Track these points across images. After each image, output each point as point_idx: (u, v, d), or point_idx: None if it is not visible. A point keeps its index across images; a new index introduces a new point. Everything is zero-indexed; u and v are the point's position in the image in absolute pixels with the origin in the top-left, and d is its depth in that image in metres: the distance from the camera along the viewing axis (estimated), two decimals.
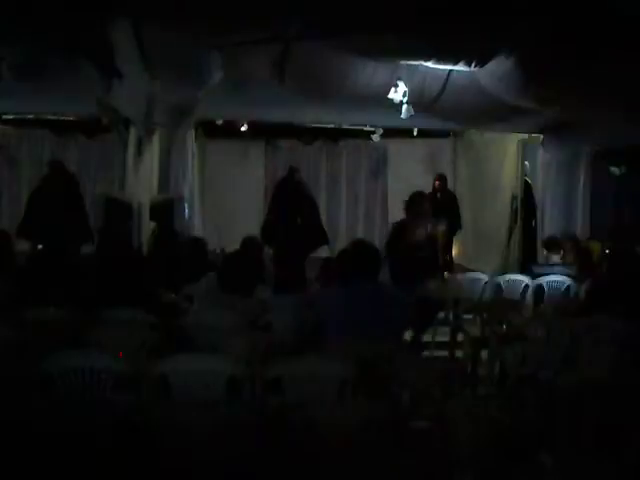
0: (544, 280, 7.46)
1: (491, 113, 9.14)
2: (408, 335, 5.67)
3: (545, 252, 8.64)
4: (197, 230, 10.90)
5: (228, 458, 3.40)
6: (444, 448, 3.50)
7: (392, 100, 8.52)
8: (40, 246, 8.94)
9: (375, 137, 13.47)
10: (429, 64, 7.41)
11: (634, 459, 3.68)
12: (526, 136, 11.46)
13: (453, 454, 3.47)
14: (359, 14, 6.23)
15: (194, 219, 10.72)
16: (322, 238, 10.95)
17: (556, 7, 5.82)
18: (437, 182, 12.14)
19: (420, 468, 3.29)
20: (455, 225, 11.63)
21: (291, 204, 10.53)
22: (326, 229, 14.38)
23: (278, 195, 10.76)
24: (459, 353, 7.73)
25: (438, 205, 11.33)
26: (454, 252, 11.98)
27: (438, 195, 11.94)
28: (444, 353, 7.86)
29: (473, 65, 7.17)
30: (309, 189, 11.32)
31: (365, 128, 12.94)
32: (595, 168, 10.78)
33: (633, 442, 3.78)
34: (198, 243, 7.90)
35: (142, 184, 8.86)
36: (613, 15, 5.67)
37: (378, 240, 14.39)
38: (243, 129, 12.61)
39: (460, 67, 7.31)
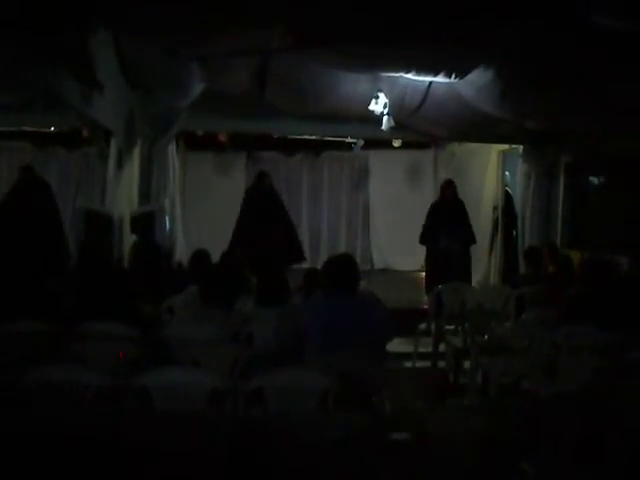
0: (525, 290, 7.48)
1: (471, 124, 9.20)
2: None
3: (525, 262, 8.66)
4: (179, 243, 10.87)
5: (210, 470, 3.39)
6: (426, 459, 3.50)
7: (373, 112, 8.57)
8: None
9: (356, 149, 13.48)
10: (410, 76, 7.45)
11: (615, 468, 3.69)
12: (506, 147, 11.53)
13: (435, 465, 3.47)
14: (340, 26, 6.25)
15: (175, 232, 10.67)
16: (298, 254, 10.79)
17: (533, 20, 5.87)
18: (447, 189, 10.76)
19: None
20: (469, 237, 10.68)
21: (262, 210, 10.40)
22: (308, 241, 14.49)
23: (248, 201, 10.60)
24: (442, 364, 7.75)
25: (450, 215, 10.56)
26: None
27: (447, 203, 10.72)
28: (427, 364, 7.88)
29: (453, 76, 7.22)
30: (280, 197, 11.19)
31: (347, 140, 12.96)
32: (574, 178, 10.86)
33: (614, 451, 3.79)
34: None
35: (123, 196, 8.82)
36: (589, 28, 5.72)
37: (360, 251, 14.47)
38: (224, 141, 12.61)
39: (440, 79, 7.36)
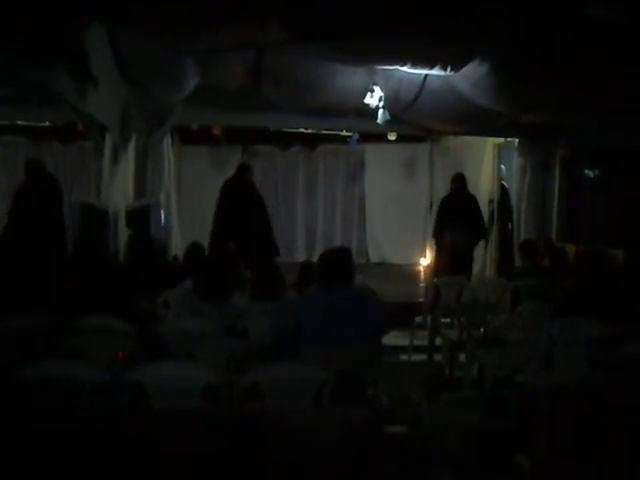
0: (521, 283, 7.49)
1: (467, 117, 9.20)
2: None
3: (521, 255, 8.67)
4: (174, 236, 10.85)
5: (205, 464, 3.39)
6: (422, 452, 3.50)
7: (368, 105, 8.56)
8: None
9: (352, 142, 13.43)
10: (405, 69, 7.44)
11: (610, 460, 3.71)
12: (502, 140, 11.54)
13: (431, 458, 3.47)
14: (336, 20, 6.25)
15: (171, 225, 10.65)
16: (272, 250, 10.42)
17: (528, 12, 5.87)
18: (456, 183, 10.78)
19: (398, 473, 3.29)
20: (478, 232, 10.81)
21: (240, 205, 10.26)
22: (304, 234, 14.50)
23: (225, 194, 10.34)
24: (437, 357, 7.76)
25: (459, 209, 10.59)
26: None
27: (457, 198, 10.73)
28: (423, 357, 7.89)
29: (448, 70, 7.21)
30: (258, 191, 10.97)
31: (342, 133, 12.94)
32: (569, 171, 10.87)
33: (609, 444, 3.81)
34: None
35: (118, 191, 8.82)
36: (584, 20, 5.72)
37: (356, 245, 14.47)
38: (218, 134, 12.59)
39: (436, 72, 7.35)
